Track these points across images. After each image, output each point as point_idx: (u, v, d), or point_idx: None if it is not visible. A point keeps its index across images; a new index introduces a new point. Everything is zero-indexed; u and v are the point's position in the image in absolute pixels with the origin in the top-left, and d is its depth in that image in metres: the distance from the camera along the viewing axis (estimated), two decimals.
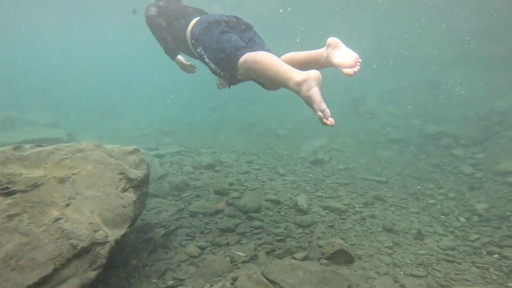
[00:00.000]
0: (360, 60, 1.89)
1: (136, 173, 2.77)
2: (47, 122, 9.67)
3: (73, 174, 2.35)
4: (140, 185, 2.75)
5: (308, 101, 1.89)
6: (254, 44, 2.63)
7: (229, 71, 2.43)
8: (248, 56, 2.21)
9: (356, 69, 1.85)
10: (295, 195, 4.56)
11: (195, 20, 2.78)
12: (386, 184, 5.37)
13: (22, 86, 15.91)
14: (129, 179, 2.64)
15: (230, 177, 5.12)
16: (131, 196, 2.54)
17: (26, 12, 19.28)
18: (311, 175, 5.63)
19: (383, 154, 7.25)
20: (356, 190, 5.02)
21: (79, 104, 15.11)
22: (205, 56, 2.58)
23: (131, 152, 3.00)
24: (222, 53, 2.38)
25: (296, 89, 1.91)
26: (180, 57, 3.13)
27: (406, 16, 16.86)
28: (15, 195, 1.95)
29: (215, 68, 2.53)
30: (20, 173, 2.11)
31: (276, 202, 4.22)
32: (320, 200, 4.48)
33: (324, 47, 2.14)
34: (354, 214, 4.05)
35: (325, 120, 1.82)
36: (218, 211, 3.83)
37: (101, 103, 15.15)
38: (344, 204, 4.33)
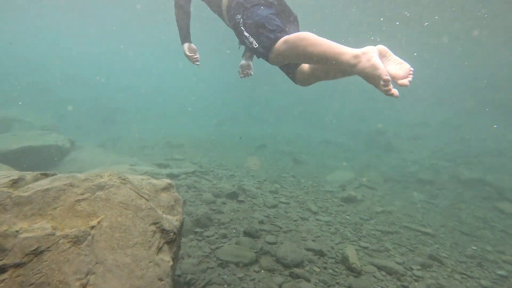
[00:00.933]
0: (412, 69, 1.76)
1: (172, 222, 2.04)
2: (45, 124, 8.90)
3: (92, 227, 1.61)
4: (176, 238, 2.02)
5: (370, 71, 1.72)
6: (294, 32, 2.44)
7: (265, 48, 2.23)
8: (291, 36, 2.05)
9: (410, 78, 1.73)
10: (337, 244, 3.85)
11: None
12: (434, 238, 4.65)
13: (22, 83, 15.10)
14: (164, 232, 1.91)
15: (257, 212, 4.38)
16: (167, 259, 1.80)
17: (31, 5, 18.75)
18: (347, 216, 4.91)
19: (416, 197, 6.56)
20: (403, 242, 4.29)
21: (78, 105, 14.34)
22: (241, 25, 2.40)
23: (163, 189, 2.27)
24: (263, 29, 2.23)
25: (354, 62, 1.76)
26: (187, 45, 2.95)
27: (429, 52, 16.66)
28: (4, 275, 1.22)
29: (249, 38, 2.32)
30: (17, 231, 1.38)
31: (320, 253, 3.48)
32: (368, 254, 3.74)
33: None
34: (415, 280, 3.32)
35: (390, 86, 1.66)
36: (253, 262, 3.09)
37: (102, 106, 14.40)
38: (398, 263, 3.60)
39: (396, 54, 1.86)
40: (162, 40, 24.51)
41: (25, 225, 1.50)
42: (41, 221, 1.56)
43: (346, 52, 1.81)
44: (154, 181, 2.28)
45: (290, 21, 2.60)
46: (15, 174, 1.94)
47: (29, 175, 1.95)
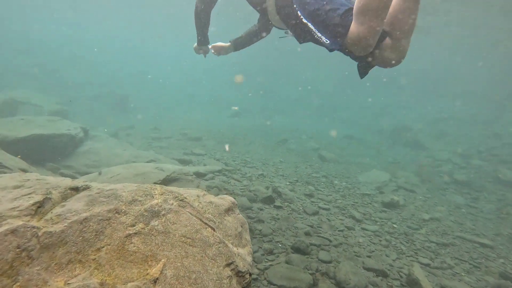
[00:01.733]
0: None
1: (244, 257, 1.54)
2: (54, 109, 8.36)
3: (155, 281, 1.11)
4: (251, 281, 1.52)
5: None
6: None
7: (339, 38, 1.79)
8: (355, 7, 1.64)
9: None
10: (394, 260, 3.37)
11: None
12: (494, 250, 4.14)
13: (30, 63, 14.52)
14: (240, 275, 1.42)
15: (299, 221, 3.88)
16: None
17: None
18: (394, 225, 4.40)
19: (457, 200, 6.03)
20: (463, 257, 3.79)
21: (87, 90, 13.84)
22: (303, 19, 1.99)
23: (227, 210, 1.76)
24: (334, 14, 1.81)
25: None
26: (195, 45, 3.00)
27: (456, 45, 15.69)
28: None
29: (316, 33, 1.92)
30: None
31: (382, 274, 2.99)
32: (433, 273, 3.25)
33: None
34: None
35: None
36: (311, 287, 2.60)
37: (111, 92, 13.85)
38: (471, 286, 3.09)
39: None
40: (175, 26, 23.91)
41: (61, 282, 1.01)
42: (82, 272, 1.07)
43: None
44: (214, 199, 1.77)
45: None
46: (36, 187, 1.46)
47: (55, 191, 1.47)
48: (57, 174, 4.16)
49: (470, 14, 12.06)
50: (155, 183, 3.33)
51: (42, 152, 4.72)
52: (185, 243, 1.33)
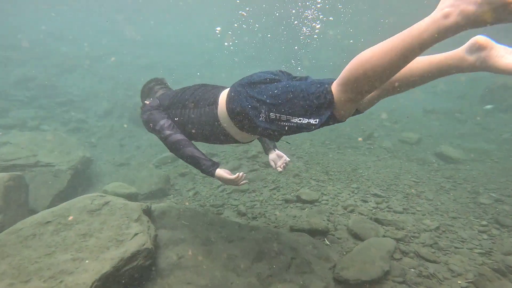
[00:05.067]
0: None
1: None
2: (73, 165, 5.40)
3: None
4: None
5: (480, 16, 1.05)
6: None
7: (324, 110, 1.66)
8: (342, 74, 1.55)
9: None
10: None
11: (225, 91, 2.17)
12: None
13: (9, 79, 11.59)
14: None
15: None
16: None
17: None
18: None
19: None
20: None
21: (94, 105, 11.31)
22: (278, 116, 1.83)
23: None
24: (310, 95, 1.69)
25: (450, 23, 1.11)
26: (220, 171, 2.22)
27: None
28: None
29: (300, 121, 1.76)
30: None
31: None
32: None
33: (463, 49, 1.39)
34: None
35: None
36: None
37: (125, 101, 11.39)
38: None
39: None
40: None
41: None
42: None
43: (427, 23, 1.18)
44: None
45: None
46: None
47: None
48: None
49: None
50: None
51: None
52: None
